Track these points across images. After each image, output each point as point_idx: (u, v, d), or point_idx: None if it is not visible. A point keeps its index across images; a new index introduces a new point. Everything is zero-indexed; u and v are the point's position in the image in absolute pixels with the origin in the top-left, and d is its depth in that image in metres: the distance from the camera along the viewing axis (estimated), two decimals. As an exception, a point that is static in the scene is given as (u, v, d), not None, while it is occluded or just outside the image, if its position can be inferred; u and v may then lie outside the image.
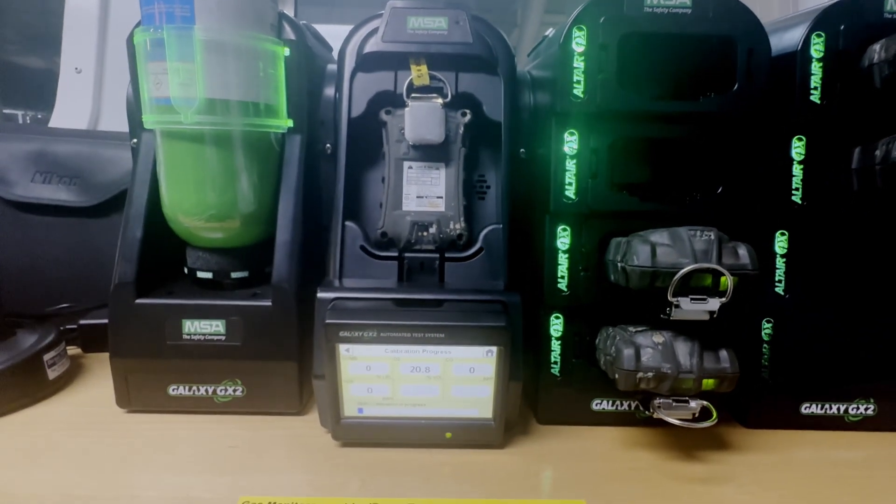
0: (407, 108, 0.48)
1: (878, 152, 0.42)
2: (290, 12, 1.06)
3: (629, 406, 0.49)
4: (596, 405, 0.49)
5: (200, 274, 0.51)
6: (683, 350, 0.41)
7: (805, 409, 0.49)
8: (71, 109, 0.89)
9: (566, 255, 0.46)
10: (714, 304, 0.39)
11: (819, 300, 0.47)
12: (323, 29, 0.60)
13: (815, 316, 0.47)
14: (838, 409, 0.49)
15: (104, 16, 0.91)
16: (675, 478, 0.42)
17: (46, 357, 0.53)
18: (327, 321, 0.41)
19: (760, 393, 0.48)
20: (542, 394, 0.49)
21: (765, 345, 0.48)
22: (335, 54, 0.54)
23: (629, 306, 0.45)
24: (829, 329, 0.47)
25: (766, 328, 0.48)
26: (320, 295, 0.44)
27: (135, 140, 0.53)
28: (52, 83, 0.92)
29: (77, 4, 0.90)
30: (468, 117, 0.50)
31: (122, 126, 0.55)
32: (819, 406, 0.49)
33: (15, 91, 1.29)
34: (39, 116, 1.23)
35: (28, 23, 1.30)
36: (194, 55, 0.43)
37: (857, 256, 0.47)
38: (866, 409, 0.49)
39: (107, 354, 0.49)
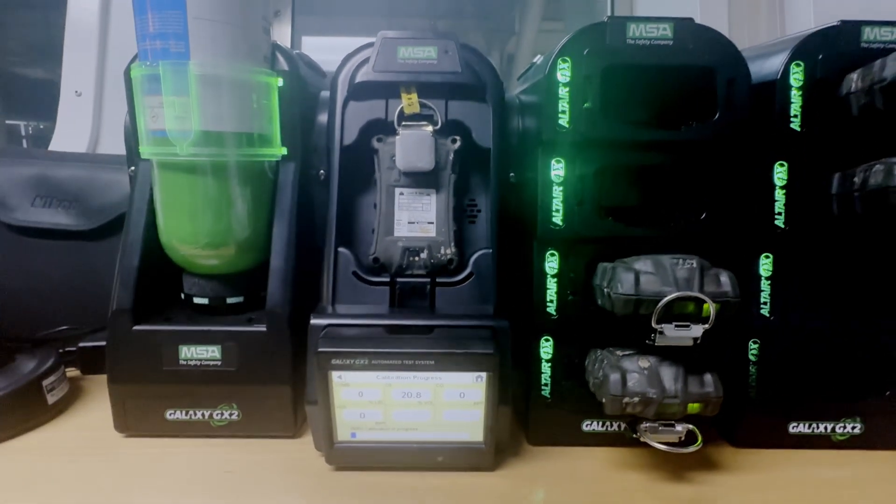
0: (398, 136, 0.49)
1: (856, 179, 0.43)
2: (287, 26, 1.08)
3: (619, 427, 0.49)
4: (586, 426, 0.49)
5: (197, 300, 0.52)
6: (668, 374, 0.41)
7: (793, 428, 0.49)
8: (71, 132, 0.91)
9: (554, 280, 0.47)
10: (697, 330, 0.40)
11: (804, 321, 0.48)
12: (321, 42, 0.61)
13: (800, 336, 0.48)
14: (825, 428, 0.49)
15: (104, 40, 0.92)
16: (665, 499, 0.43)
17: (45, 382, 0.54)
18: (319, 349, 0.42)
19: (748, 413, 0.49)
20: (532, 415, 0.49)
21: (752, 365, 0.49)
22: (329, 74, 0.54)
23: (618, 329, 0.46)
24: (814, 349, 0.48)
25: (753, 349, 0.48)
26: (313, 322, 0.45)
27: (132, 168, 0.54)
28: (55, 94, 0.93)
29: (77, 28, 0.91)
30: (458, 144, 0.51)
31: (122, 148, 0.56)
32: (806, 425, 0.49)
33: (17, 102, 1.30)
34: (42, 127, 1.24)
35: (30, 34, 1.31)
36: (189, 90, 0.44)
37: (841, 277, 0.48)
38: (853, 427, 0.49)
39: (105, 376, 0.49)
